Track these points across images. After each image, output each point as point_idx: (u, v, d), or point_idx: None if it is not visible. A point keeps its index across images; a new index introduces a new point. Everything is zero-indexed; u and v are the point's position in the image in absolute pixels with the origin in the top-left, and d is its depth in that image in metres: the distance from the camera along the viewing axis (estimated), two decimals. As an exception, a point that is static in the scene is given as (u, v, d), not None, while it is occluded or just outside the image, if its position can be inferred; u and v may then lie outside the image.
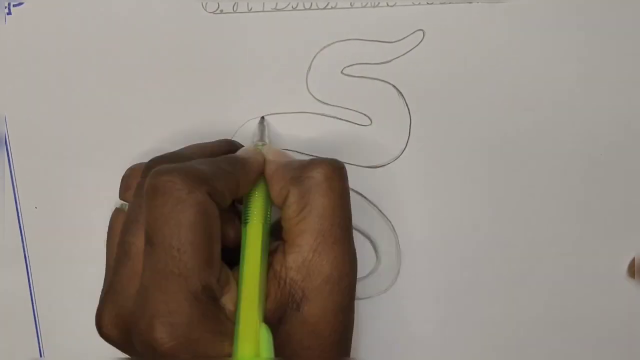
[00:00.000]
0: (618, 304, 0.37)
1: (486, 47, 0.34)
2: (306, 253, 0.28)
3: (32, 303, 0.36)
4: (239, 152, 0.31)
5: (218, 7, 0.33)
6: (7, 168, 0.35)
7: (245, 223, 0.30)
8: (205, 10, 0.33)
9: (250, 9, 0.33)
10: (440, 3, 0.33)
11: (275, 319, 0.28)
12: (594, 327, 0.37)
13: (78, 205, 0.35)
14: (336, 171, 0.29)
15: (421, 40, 0.34)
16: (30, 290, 0.36)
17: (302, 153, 0.35)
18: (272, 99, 0.34)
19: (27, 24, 0.33)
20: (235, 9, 0.33)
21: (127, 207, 0.31)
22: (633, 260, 0.36)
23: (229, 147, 0.32)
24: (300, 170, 0.29)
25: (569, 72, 0.34)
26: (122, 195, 0.31)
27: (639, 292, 0.36)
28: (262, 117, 0.34)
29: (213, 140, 0.33)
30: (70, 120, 0.34)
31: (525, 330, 0.37)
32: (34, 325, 0.37)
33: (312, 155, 0.35)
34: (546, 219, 0.36)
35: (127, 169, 0.32)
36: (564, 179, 0.35)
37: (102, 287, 0.30)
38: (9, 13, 0.33)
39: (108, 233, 0.31)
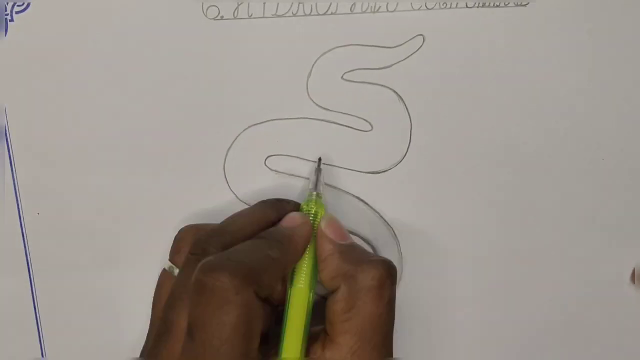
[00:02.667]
0: (620, 309, 0.36)
1: (486, 51, 0.34)
2: (344, 353, 0.28)
3: (35, 308, 0.36)
4: (285, 224, 0.31)
5: (219, 13, 0.33)
6: (10, 174, 0.35)
7: (292, 285, 0.30)
8: (206, 16, 0.33)
9: (251, 15, 0.33)
10: (440, 8, 0.33)
11: None
12: (595, 331, 0.37)
13: (80, 211, 0.35)
14: (389, 278, 0.29)
15: (421, 45, 0.34)
16: (33, 295, 0.36)
17: (311, 160, 0.35)
18: (273, 105, 0.34)
19: (28, 31, 0.33)
20: (235, 15, 0.33)
21: (174, 270, 0.32)
22: (634, 270, 0.36)
23: (274, 211, 0.32)
24: (354, 268, 0.29)
25: (569, 77, 0.34)
26: (172, 257, 0.33)
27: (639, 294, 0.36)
28: (320, 160, 0.34)
29: (255, 204, 0.33)
30: (71, 126, 0.34)
31: (527, 334, 0.37)
32: (37, 330, 0.37)
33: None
34: (547, 223, 0.36)
35: (180, 231, 0.33)
36: (565, 183, 0.35)
37: (144, 344, 0.32)
38: (12, 20, 0.33)
39: (155, 292, 0.33)
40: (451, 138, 0.35)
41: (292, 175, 0.35)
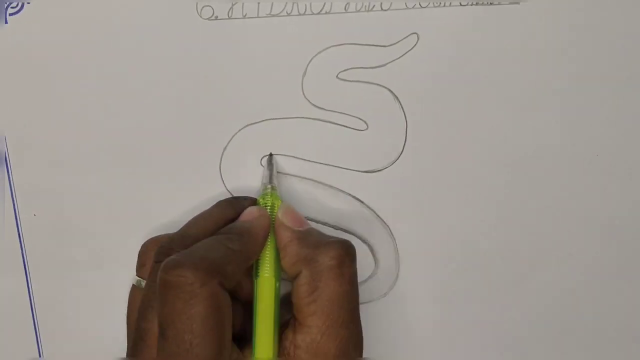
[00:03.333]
0: (618, 307, 0.36)
1: (480, 49, 0.34)
2: (315, 334, 0.29)
3: (32, 309, 0.36)
4: (243, 219, 0.32)
5: (213, 14, 0.33)
6: (6, 175, 0.35)
7: (257, 276, 0.31)
8: (201, 16, 0.33)
9: (245, 15, 0.33)
10: (434, 6, 0.33)
11: None
12: (593, 329, 0.37)
13: (76, 211, 0.35)
14: (348, 256, 0.30)
15: (415, 44, 0.34)
16: (30, 295, 0.36)
17: (307, 160, 0.35)
18: (268, 105, 0.34)
19: (23, 32, 0.33)
20: (230, 15, 0.33)
21: (142, 283, 0.32)
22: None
23: (232, 209, 0.33)
24: (313, 251, 0.30)
25: (563, 74, 0.34)
26: (139, 271, 0.33)
27: (638, 293, 0.36)
28: (271, 155, 0.35)
29: (213, 206, 0.33)
30: (66, 127, 0.35)
31: (524, 332, 0.37)
32: (34, 330, 0.37)
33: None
34: (544, 221, 0.36)
35: (143, 245, 0.33)
36: (561, 181, 0.35)
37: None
38: (6, 22, 0.33)
39: (128, 308, 0.33)
40: (446, 136, 0.35)
41: (288, 174, 0.35)
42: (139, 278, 0.33)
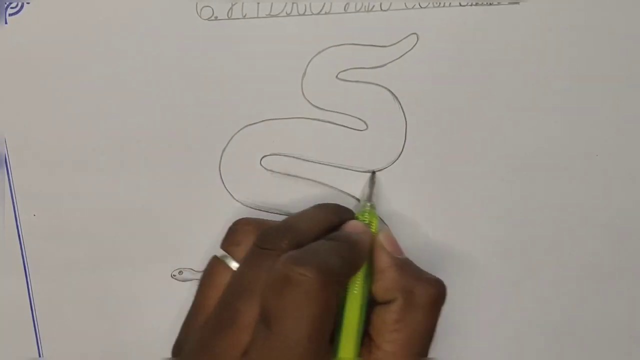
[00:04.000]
0: (617, 307, 0.36)
1: (479, 49, 0.34)
2: (388, 359, 0.29)
3: (32, 309, 0.36)
4: (350, 230, 0.32)
5: (213, 14, 0.33)
6: (6, 175, 0.35)
7: (347, 290, 0.31)
8: (200, 17, 0.33)
9: (245, 15, 0.33)
10: (433, 7, 0.33)
11: None
12: (593, 329, 0.37)
13: (76, 212, 0.35)
14: (442, 296, 0.30)
15: (415, 44, 0.34)
16: (30, 296, 0.36)
17: (307, 160, 0.35)
18: (267, 105, 0.34)
19: (22, 33, 0.33)
20: (229, 16, 0.33)
21: (228, 260, 0.31)
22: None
23: (337, 216, 0.33)
24: (412, 282, 0.30)
25: (563, 74, 0.34)
26: (226, 247, 0.32)
27: (638, 294, 0.36)
28: (373, 173, 0.35)
29: (315, 207, 0.33)
30: (66, 127, 0.34)
31: (524, 332, 0.37)
32: (34, 330, 0.37)
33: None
34: (544, 221, 0.36)
35: (235, 222, 0.33)
36: (561, 181, 0.35)
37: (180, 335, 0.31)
38: (5, 22, 0.33)
39: (204, 277, 0.32)
40: (446, 136, 0.35)
41: (288, 175, 0.35)
42: (225, 253, 0.32)
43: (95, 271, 0.36)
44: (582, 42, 0.34)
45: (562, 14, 0.33)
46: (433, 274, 0.34)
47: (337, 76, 0.34)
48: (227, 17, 0.33)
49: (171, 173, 0.35)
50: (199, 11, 0.33)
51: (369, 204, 0.34)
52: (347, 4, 0.33)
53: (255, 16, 0.33)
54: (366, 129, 0.35)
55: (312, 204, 0.35)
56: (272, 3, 0.33)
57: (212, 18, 0.33)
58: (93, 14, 0.33)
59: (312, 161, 0.35)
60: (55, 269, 0.36)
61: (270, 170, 0.35)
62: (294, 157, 0.35)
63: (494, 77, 0.34)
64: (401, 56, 0.34)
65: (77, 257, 0.36)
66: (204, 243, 0.35)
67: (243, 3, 0.33)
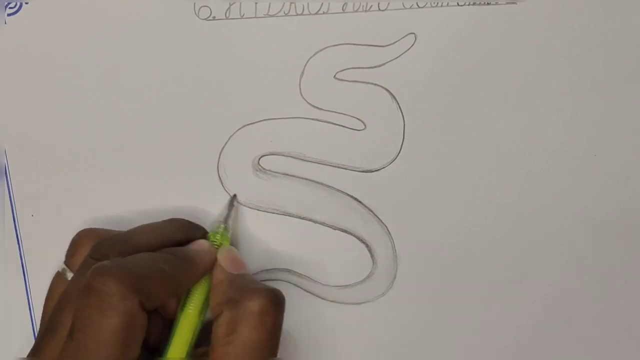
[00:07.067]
0: (617, 307, 0.36)
1: (477, 49, 0.34)
2: None
3: (30, 310, 0.36)
4: (191, 247, 0.32)
5: (210, 14, 0.33)
6: (5, 180, 0.35)
7: (182, 307, 0.31)
8: (198, 17, 0.33)
9: (243, 15, 0.33)
10: (431, 6, 0.33)
11: None
12: (592, 329, 0.36)
13: (74, 212, 0.35)
14: (272, 306, 0.29)
15: (413, 44, 0.34)
16: (28, 296, 0.36)
17: (305, 160, 0.35)
18: (265, 105, 0.34)
19: (21, 33, 0.33)
20: (227, 15, 0.33)
21: (67, 273, 0.32)
22: None
23: (182, 233, 0.33)
24: (239, 294, 0.30)
25: (560, 73, 0.34)
26: (67, 260, 0.33)
27: (638, 293, 0.36)
28: (234, 196, 0.35)
29: (165, 221, 0.33)
30: (64, 128, 0.35)
31: (523, 334, 0.36)
32: (32, 331, 0.37)
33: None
34: (543, 221, 0.35)
35: (77, 234, 0.33)
36: (560, 180, 0.35)
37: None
38: (4, 22, 0.33)
39: (48, 293, 0.33)
40: (444, 136, 0.35)
41: (286, 174, 0.35)
42: (65, 267, 0.32)
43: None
44: (580, 41, 0.34)
45: (559, 14, 0.33)
46: (432, 273, 0.35)
47: (335, 76, 0.34)
48: (224, 17, 0.33)
49: (169, 173, 0.35)
50: (196, 11, 0.33)
51: (222, 226, 0.33)
52: (345, 3, 0.33)
53: (253, 16, 0.33)
54: (364, 128, 0.35)
55: (311, 204, 0.35)
56: (269, 3, 0.33)
57: (210, 18, 0.33)
58: (91, 14, 0.33)
59: (310, 161, 0.35)
60: (54, 269, 0.36)
61: (269, 170, 0.35)
62: (292, 156, 0.35)
63: (492, 77, 0.34)
64: (399, 56, 0.34)
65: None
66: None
67: (241, 3, 0.33)
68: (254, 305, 0.29)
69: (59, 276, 0.33)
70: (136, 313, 0.27)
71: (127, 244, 0.31)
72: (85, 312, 0.27)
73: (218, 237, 0.33)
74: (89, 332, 0.26)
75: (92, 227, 0.34)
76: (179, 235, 0.32)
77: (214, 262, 0.31)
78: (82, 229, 0.33)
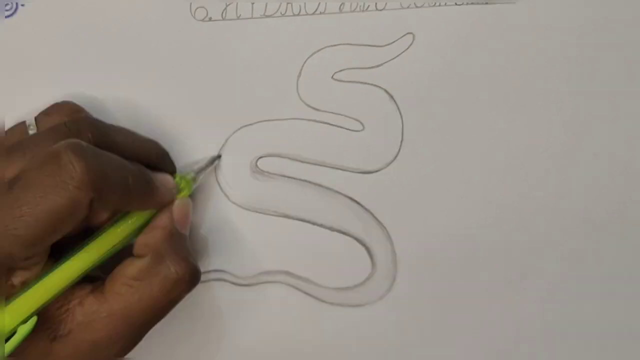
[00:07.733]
0: (617, 307, 0.36)
1: (475, 48, 0.34)
2: (104, 310, 0.28)
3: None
4: (158, 177, 0.31)
5: (207, 15, 0.33)
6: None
7: (110, 225, 0.30)
8: (194, 17, 0.33)
9: (239, 16, 0.33)
10: (429, 6, 0.33)
11: None
12: (592, 329, 0.36)
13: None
14: (186, 282, 0.29)
15: (411, 44, 0.34)
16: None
17: (303, 161, 0.35)
18: (263, 106, 0.34)
19: (17, 34, 0.33)
20: (224, 16, 0.33)
21: (32, 129, 0.31)
22: None
23: (158, 157, 0.32)
24: (170, 252, 0.30)
25: (559, 73, 0.34)
26: (40, 116, 0.32)
27: (638, 293, 0.36)
28: (219, 156, 0.34)
29: (149, 139, 0.33)
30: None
31: (523, 333, 0.36)
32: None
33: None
34: (543, 221, 0.35)
35: (64, 100, 0.32)
36: (560, 180, 0.35)
37: None
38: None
39: (6, 131, 0.31)
40: (443, 136, 0.35)
41: (284, 176, 0.35)
42: (33, 122, 0.31)
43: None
44: (578, 40, 0.34)
45: (557, 13, 0.33)
46: (432, 273, 0.34)
47: (332, 76, 0.34)
48: (221, 18, 0.33)
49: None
50: (193, 12, 0.33)
51: (193, 174, 0.33)
52: (343, 3, 0.33)
53: (250, 17, 0.33)
54: (362, 129, 0.35)
55: (310, 206, 0.35)
56: (266, 3, 0.33)
57: (207, 19, 0.33)
58: (87, 16, 0.33)
59: (308, 162, 0.35)
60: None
61: (267, 172, 0.35)
62: (289, 158, 0.35)
63: (490, 77, 0.34)
64: (397, 56, 0.34)
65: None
66: (200, 243, 0.35)
67: (237, 3, 0.33)
68: (176, 271, 0.29)
69: (21, 125, 0.31)
70: (81, 208, 0.27)
71: (105, 137, 0.30)
72: (37, 176, 0.26)
73: (183, 182, 0.32)
74: (31, 197, 0.26)
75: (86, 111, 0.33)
76: (153, 158, 0.32)
77: (168, 203, 0.31)
78: (72, 101, 0.32)
